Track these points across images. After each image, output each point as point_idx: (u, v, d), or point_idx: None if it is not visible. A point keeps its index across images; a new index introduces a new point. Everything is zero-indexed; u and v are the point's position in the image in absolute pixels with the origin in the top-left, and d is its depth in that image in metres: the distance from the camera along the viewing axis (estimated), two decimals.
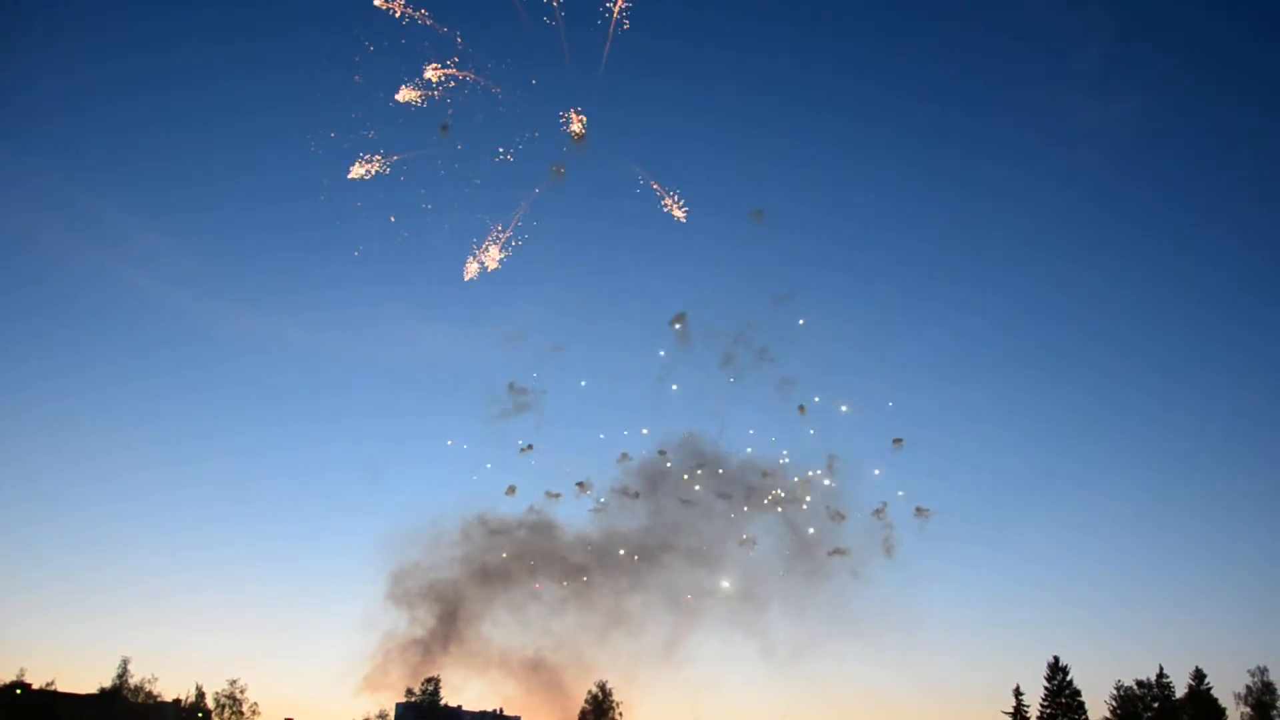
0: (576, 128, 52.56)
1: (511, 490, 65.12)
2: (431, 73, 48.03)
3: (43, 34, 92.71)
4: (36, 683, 66.62)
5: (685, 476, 63.87)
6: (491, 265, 52.04)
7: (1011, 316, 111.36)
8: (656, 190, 51.21)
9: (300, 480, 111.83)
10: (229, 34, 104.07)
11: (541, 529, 68.15)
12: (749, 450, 64.09)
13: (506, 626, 71.69)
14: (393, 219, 55.56)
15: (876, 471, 63.56)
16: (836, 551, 63.60)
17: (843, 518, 62.91)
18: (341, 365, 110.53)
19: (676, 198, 50.15)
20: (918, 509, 65.00)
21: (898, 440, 62.89)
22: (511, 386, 66.50)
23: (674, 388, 64.29)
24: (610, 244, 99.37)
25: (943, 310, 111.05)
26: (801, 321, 60.42)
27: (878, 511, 63.97)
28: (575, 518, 68.47)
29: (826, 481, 63.01)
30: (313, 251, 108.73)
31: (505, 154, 50.65)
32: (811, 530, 61.94)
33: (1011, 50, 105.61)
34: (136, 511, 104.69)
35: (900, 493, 64.60)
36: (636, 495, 65.35)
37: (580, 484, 65.52)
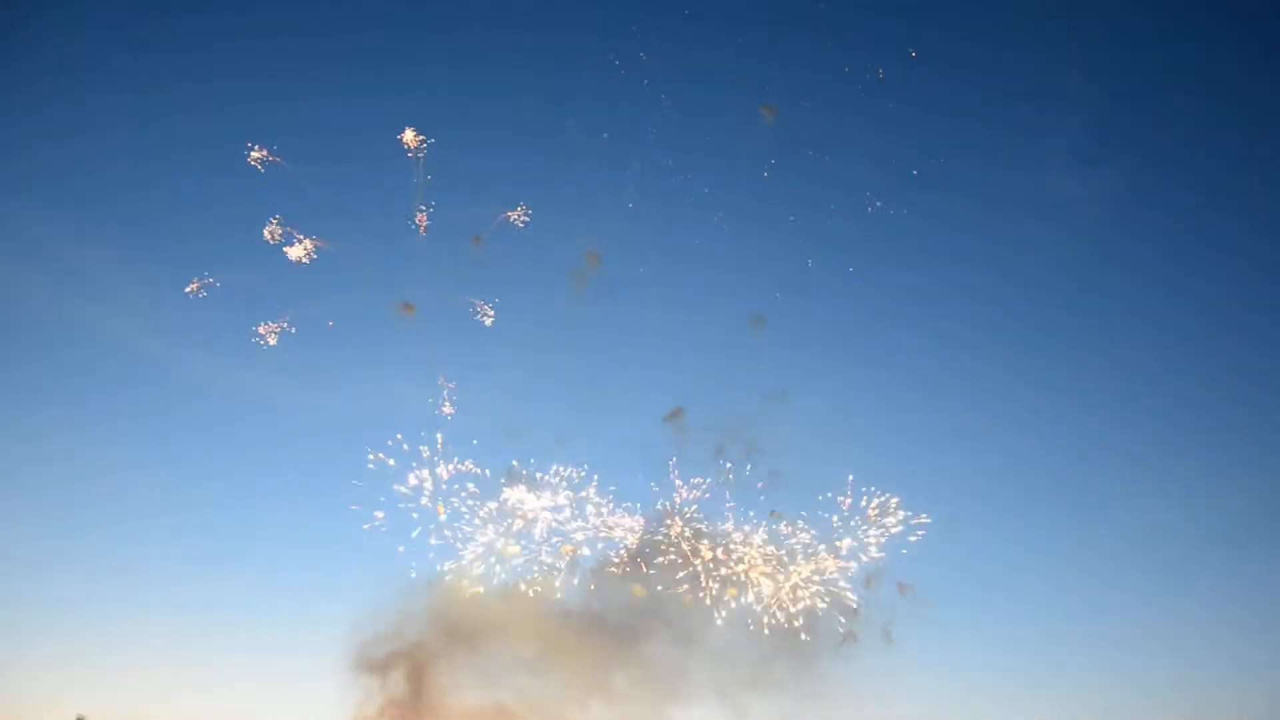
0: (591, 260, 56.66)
1: (511, 549, 64.62)
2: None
3: (28, 78, 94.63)
4: None
5: (670, 554, 63.73)
6: None
7: (986, 382, 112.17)
8: None
9: (272, 537, 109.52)
10: (206, 71, 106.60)
11: (523, 597, 67.56)
12: (740, 533, 64.69)
13: (479, 689, 70.22)
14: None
15: (864, 558, 63.86)
16: (848, 637, 63.22)
17: (855, 612, 62.83)
18: (322, 422, 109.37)
19: None
20: (900, 584, 65.28)
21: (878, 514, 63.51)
22: (509, 473, 66.58)
23: (675, 473, 65.22)
24: (611, 338, 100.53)
25: (917, 383, 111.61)
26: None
27: (869, 580, 64.16)
28: (563, 588, 67.60)
29: (817, 570, 63.28)
30: (297, 308, 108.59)
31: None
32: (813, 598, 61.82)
33: (990, 121, 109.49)
34: (96, 568, 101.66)
35: (868, 555, 64.65)
36: (624, 569, 65.17)
37: (568, 546, 65.14)
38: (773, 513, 63.74)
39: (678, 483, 66.18)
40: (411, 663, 67.70)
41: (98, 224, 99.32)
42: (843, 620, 61.95)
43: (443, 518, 63.98)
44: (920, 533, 63.07)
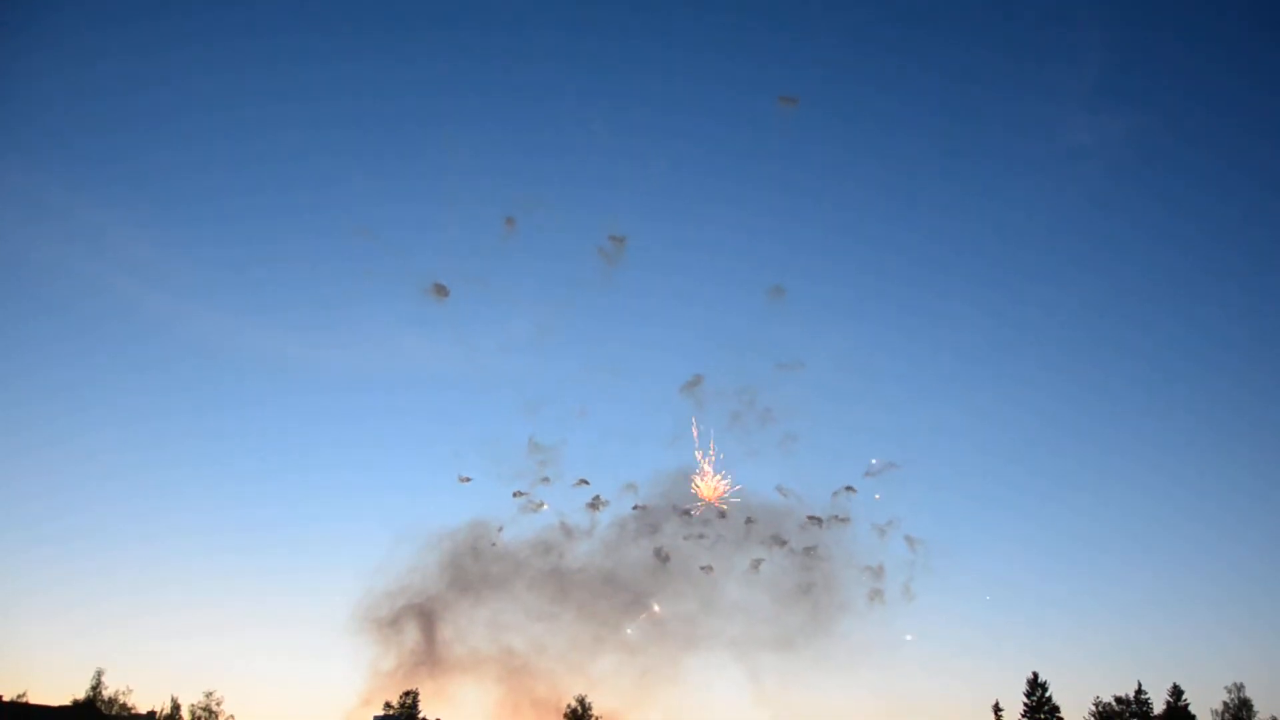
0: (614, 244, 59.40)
1: (538, 506, 66.19)
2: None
3: (42, 40, 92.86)
4: (8, 694, 65.53)
5: (686, 509, 64.60)
6: None
7: (998, 334, 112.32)
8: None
9: (288, 489, 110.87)
10: (225, 39, 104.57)
11: (544, 550, 68.92)
12: (764, 495, 65.72)
13: (493, 640, 71.84)
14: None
15: (878, 523, 65.23)
16: (875, 595, 65.52)
17: (883, 572, 65.19)
18: (337, 382, 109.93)
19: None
20: (907, 537, 67.16)
21: None
22: (531, 442, 67.89)
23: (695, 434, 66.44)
24: (629, 311, 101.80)
25: (925, 328, 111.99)
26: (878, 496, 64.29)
27: (882, 528, 65.82)
28: (581, 543, 69.13)
29: (840, 517, 64.55)
30: (323, 267, 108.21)
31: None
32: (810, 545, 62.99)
33: (1005, 71, 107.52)
34: (113, 519, 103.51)
35: (886, 522, 66.05)
36: (640, 508, 66.20)
37: (594, 499, 66.57)
38: (779, 489, 64.98)
39: (696, 450, 67.06)
40: (425, 615, 68.91)
41: (107, 184, 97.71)
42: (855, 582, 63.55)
43: (466, 482, 64.82)
44: (923, 489, 64.99)
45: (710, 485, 62.48)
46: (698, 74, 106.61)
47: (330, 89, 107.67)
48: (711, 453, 63.89)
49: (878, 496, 64.89)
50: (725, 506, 63.57)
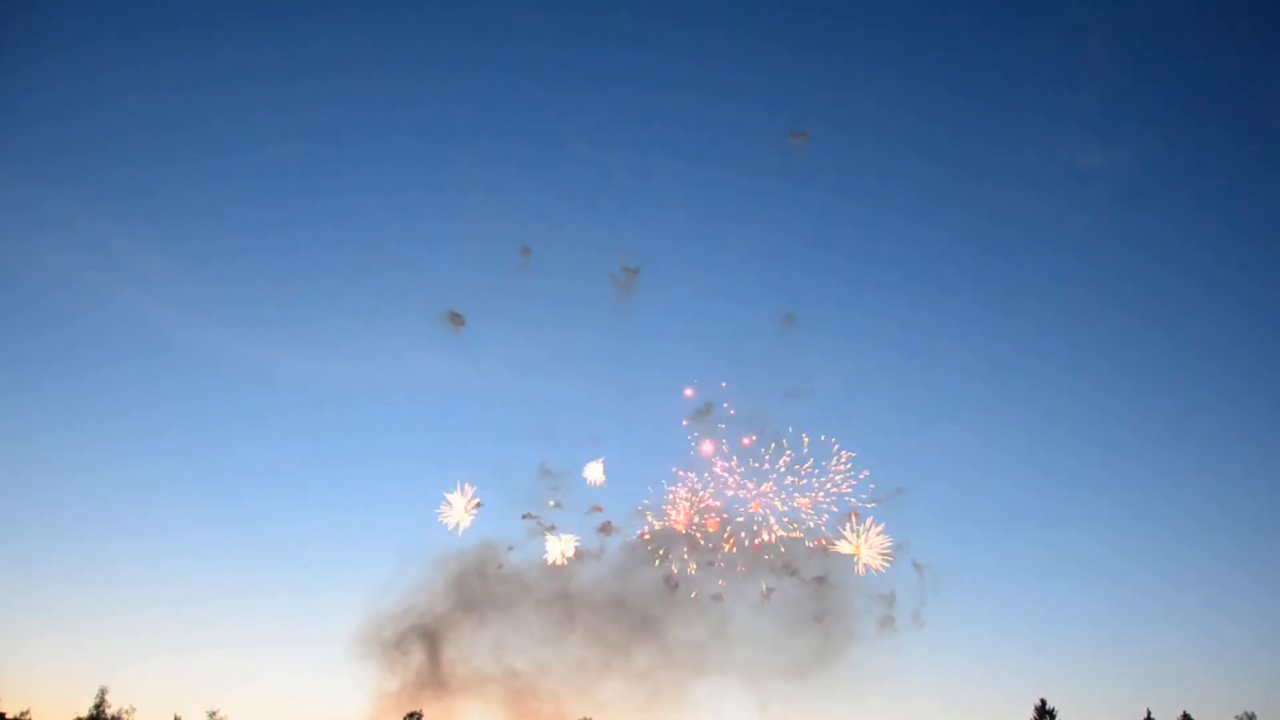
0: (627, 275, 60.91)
1: (550, 529, 66.38)
2: None
3: (44, 49, 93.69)
4: (10, 713, 65.34)
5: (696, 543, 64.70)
6: None
7: (1007, 357, 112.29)
8: None
9: (294, 507, 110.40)
10: (232, 53, 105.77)
11: (552, 573, 68.82)
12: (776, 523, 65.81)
13: (498, 662, 71.54)
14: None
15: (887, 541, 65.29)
16: (886, 623, 65.64)
17: (894, 599, 65.33)
18: (344, 398, 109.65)
19: None
20: (914, 563, 67.43)
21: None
22: (542, 468, 68.26)
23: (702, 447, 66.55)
24: (641, 336, 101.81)
25: (932, 350, 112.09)
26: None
27: (889, 549, 65.94)
28: (589, 567, 69.04)
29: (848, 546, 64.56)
30: (333, 283, 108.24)
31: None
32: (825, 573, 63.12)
33: (1009, 95, 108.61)
34: (117, 534, 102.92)
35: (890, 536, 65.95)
36: (646, 536, 66.33)
37: (605, 525, 66.76)
38: (787, 520, 65.09)
39: (705, 473, 67.27)
40: (431, 636, 68.59)
41: (110, 195, 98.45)
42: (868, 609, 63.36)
43: (473, 500, 65.01)
44: (932, 514, 65.33)
45: (687, 510, 62.95)
46: (711, 95, 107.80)
47: (341, 100, 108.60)
48: (710, 484, 64.15)
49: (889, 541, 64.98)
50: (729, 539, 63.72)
